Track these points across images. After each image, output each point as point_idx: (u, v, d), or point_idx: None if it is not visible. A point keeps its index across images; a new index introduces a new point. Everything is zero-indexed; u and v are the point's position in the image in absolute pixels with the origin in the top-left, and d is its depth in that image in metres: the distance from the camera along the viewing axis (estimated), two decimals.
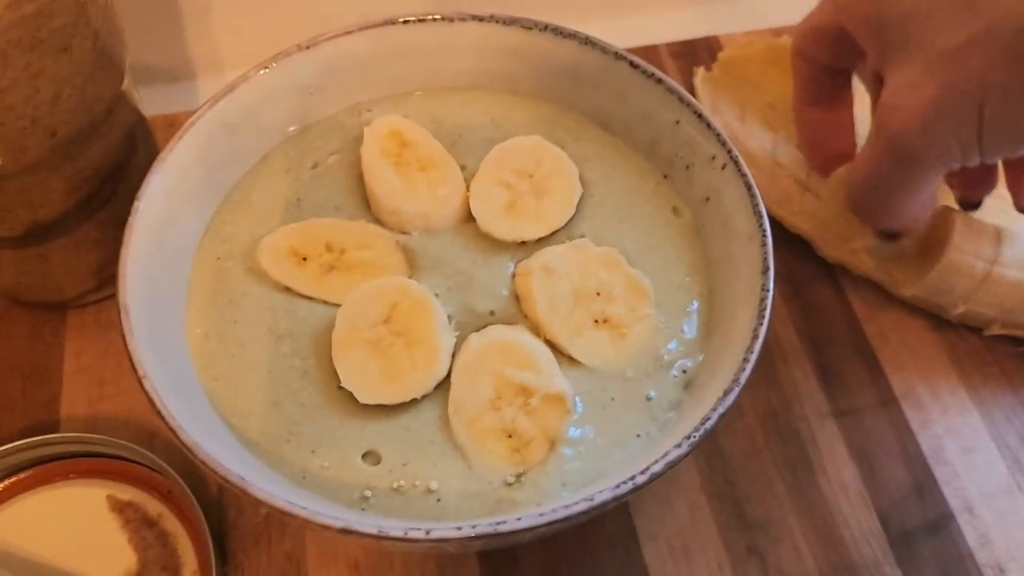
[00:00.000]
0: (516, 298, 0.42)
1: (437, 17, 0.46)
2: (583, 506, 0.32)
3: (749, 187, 0.41)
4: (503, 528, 0.32)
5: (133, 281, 0.38)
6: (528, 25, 0.46)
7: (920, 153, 0.40)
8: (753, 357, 0.36)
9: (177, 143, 0.42)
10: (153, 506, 0.44)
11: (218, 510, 0.45)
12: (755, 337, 0.37)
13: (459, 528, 0.32)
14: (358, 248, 0.43)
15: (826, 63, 0.46)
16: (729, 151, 0.42)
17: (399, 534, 0.32)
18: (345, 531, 0.32)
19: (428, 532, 0.32)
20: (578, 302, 0.41)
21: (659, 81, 0.44)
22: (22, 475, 0.45)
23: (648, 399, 0.40)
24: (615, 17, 0.68)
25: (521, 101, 0.49)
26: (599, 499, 0.32)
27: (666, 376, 0.40)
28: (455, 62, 0.48)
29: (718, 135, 0.42)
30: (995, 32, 0.36)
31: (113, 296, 0.38)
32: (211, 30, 0.63)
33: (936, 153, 0.39)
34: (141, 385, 0.35)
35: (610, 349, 0.40)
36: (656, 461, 0.33)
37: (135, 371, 0.35)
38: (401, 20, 0.46)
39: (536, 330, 0.41)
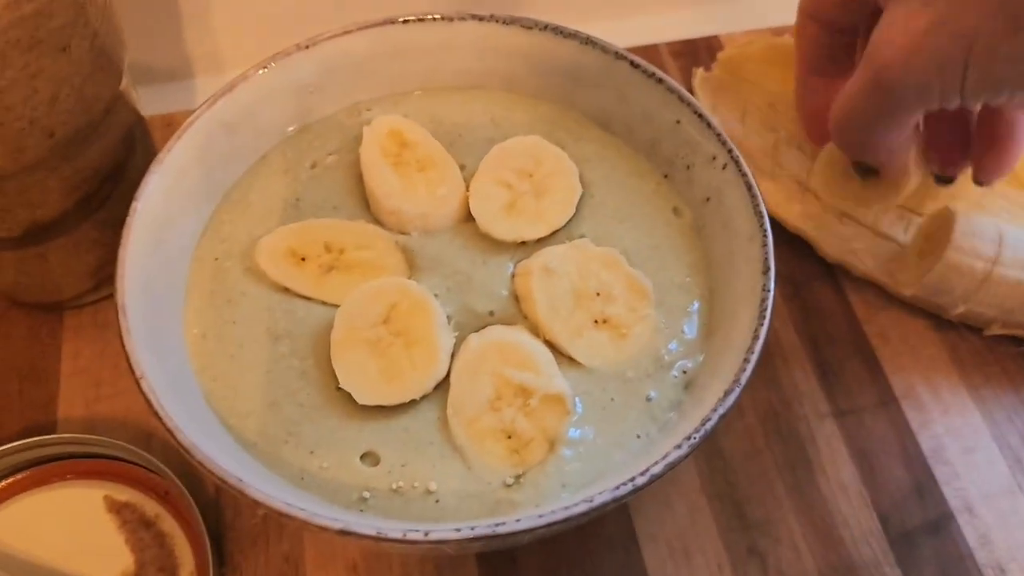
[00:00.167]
0: (516, 298, 0.42)
1: (437, 16, 0.46)
2: (582, 507, 0.32)
3: (750, 187, 0.41)
4: (502, 530, 0.32)
5: (131, 281, 0.38)
6: (528, 25, 0.46)
7: (901, 86, 0.40)
8: (754, 357, 0.36)
9: (175, 143, 0.42)
10: (150, 507, 0.44)
11: (215, 511, 0.45)
12: (756, 337, 0.37)
13: (458, 530, 0.32)
14: (357, 248, 0.42)
15: (834, 18, 0.46)
16: (730, 151, 0.42)
17: (398, 535, 0.32)
18: (343, 532, 0.32)
19: (427, 534, 0.32)
20: (578, 302, 0.41)
21: (660, 81, 0.44)
22: (19, 476, 0.45)
23: (648, 400, 0.39)
24: (615, 17, 0.68)
25: (521, 101, 0.49)
26: (599, 500, 0.32)
27: (666, 377, 0.40)
28: (455, 62, 0.48)
29: (718, 135, 0.42)
30: None
31: (111, 297, 0.38)
32: (210, 30, 0.63)
33: (917, 88, 0.39)
34: (138, 385, 0.35)
35: (610, 350, 0.40)
36: (656, 462, 0.33)
37: (132, 371, 0.35)
38: (400, 20, 0.46)
39: (536, 330, 0.41)
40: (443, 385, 0.39)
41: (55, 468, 0.45)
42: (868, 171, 0.48)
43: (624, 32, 0.61)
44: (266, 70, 0.44)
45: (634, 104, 0.46)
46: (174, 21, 0.62)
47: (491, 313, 0.41)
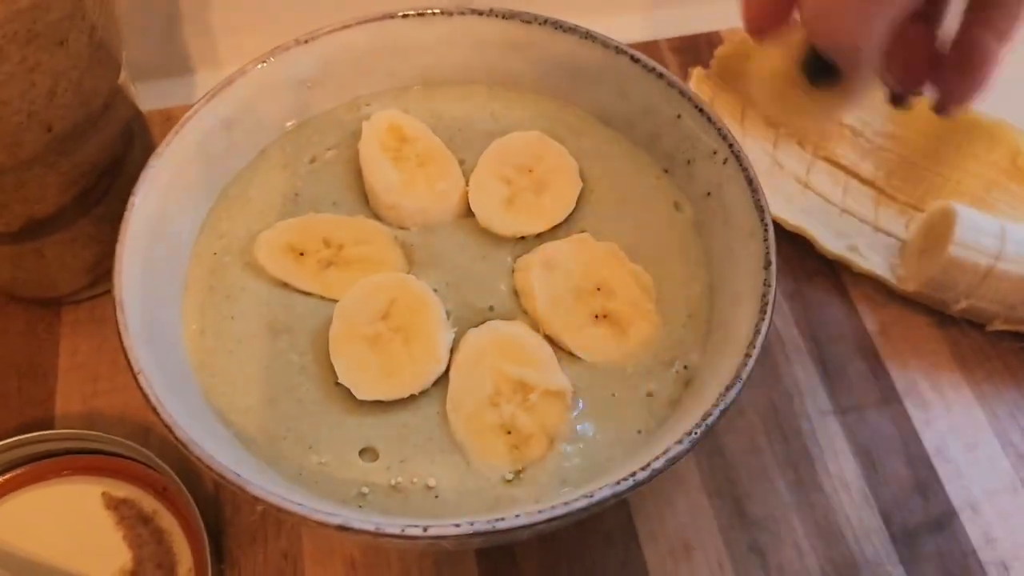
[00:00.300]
0: (515, 294, 0.42)
1: (436, 11, 0.46)
2: (582, 503, 0.32)
3: (751, 182, 0.40)
4: (501, 525, 0.31)
5: (129, 277, 0.38)
6: (528, 19, 0.46)
7: None
8: (755, 353, 0.36)
9: (174, 138, 0.41)
10: (148, 503, 0.43)
11: (214, 507, 0.45)
12: (757, 333, 0.36)
13: (457, 525, 0.31)
14: (356, 243, 0.42)
15: None
16: (730, 145, 0.42)
17: (396, 531, 0.31)
18: (342, 528, 0.31)
19: (426, 529, 0.31)
20: (578, 298, 0.41)
21: (660, 75, 0.44)
22: (17, 472, 0.44)
23: (648, 395, 0.39)
24: (616, 12, 0.67)
25: (521, 96, 0.49)
26: (598, 496, 0.32)
27: (667, 372, 0.40)
28: (454, 56, 0.48)
29: (719, 129, 0.42)
30: None
31: (108, 292, 0.37)
32: (209, 25, 0.63)
33: None
34: (136, 381, 0.35)
35: (610, 345, 0.40)
36: (657, 458, 0.33)
37: (130, 367, 0.35)
38: (400, 14, 0.46)
39: (535, 326, 0.40)
40: (442, 380, 0.39)
41: (53, 464, 0.45)
42: (823, 73, 0.38)
43: (624, 28, 0.61)
44: (265, 65, 0.44)
45: (634, 99, 0.45)
46: (173, 16, 0.62)
47: (491, 308, 0.41)
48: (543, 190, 0.44)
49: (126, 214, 0.39)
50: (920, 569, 0.44)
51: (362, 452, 0.38)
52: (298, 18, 0.53)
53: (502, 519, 0.32)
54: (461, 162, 0.45)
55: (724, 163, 0.42)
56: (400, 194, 0.43)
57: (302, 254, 0.42)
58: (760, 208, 0.40)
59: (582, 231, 0.43)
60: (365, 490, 0.37)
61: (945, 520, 0.46)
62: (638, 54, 0.44)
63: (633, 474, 0.33)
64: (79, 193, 0.46)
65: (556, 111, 0.48)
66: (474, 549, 0.44)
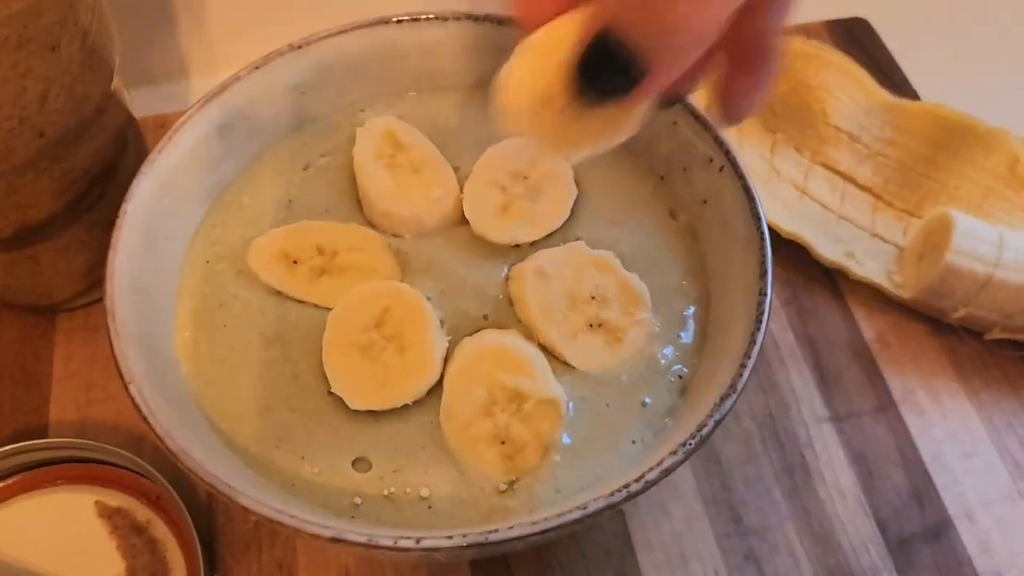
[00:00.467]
0: (510, 302, 0.41)
1: (431, 16, 0.46)
2: (576, 514, 0.32)
3: (747, 190, 0.40)
4: (494, 537, 0.31)
5: (121, 284, 0.38)
6: None
7: None
8: (750, 362, 0.36)
9: (167, 144, 0.41)
10: (142, 512, 0.43)
11: (207, 516, 0.45)
12: (753, 342, 0.36)
13: (450, 537, 0.31)
14: (350, 251, 0.42)
15: None
16: (727, 153, 0.41)
17: (389, 543, 0.31)
18: (335, 540, 0.31)
19: (418, 541, 0.31)
20: (572, 306, 0.40)
21: None
22: (10, 480, 0.44)
23: (643, 405, 0.39)
24: None
25: None
26: (593, 507, 0.32)
27: (662, 381, 0.40)
28: (449, 62, 0.47)
29: (715, 136, 0.42)
30: None
31: (103, 299, 0.37)
32: (203, 30, 0.62)
33: None
34: (127, 390, 0.34)
35: (605, 354, 0.40)
36: (651, 468, 0.33)
37: (121, 376, 0.35)
38: (394, 19, 0.46)
39: (530, 334, 0.40)
40: (436, 390, 0.39)
41: (46, 473, 0.44)
42: (603, 81, 0.28)
43: None
44: (259, 70, 0.44)
45: None
46: (167, 21, 0.62)
47: (485, 317, 0.41)
48: (538, 197, 0.44)
49: (118, 221, 0.39)
50: None
51: (355, 462, 0.37)
52: (292, 23, 0.52)
53: (495, 531, 0.31)
54: (456, 169, 0.45)
55: (720, 171, 0.42)
56: (394, 201, 0.43)
57: (295, 262, 0.42)
58: (757, 217, 0.39)
59: (577, 238, 0.43)
60: (358, 500, 0.36)
61: (941, 529, 0.45)
62: None
63: (627, 485, 0.32)
64: (72, 199, 0.45)
65: None
66: (468, 560, 0.44)
